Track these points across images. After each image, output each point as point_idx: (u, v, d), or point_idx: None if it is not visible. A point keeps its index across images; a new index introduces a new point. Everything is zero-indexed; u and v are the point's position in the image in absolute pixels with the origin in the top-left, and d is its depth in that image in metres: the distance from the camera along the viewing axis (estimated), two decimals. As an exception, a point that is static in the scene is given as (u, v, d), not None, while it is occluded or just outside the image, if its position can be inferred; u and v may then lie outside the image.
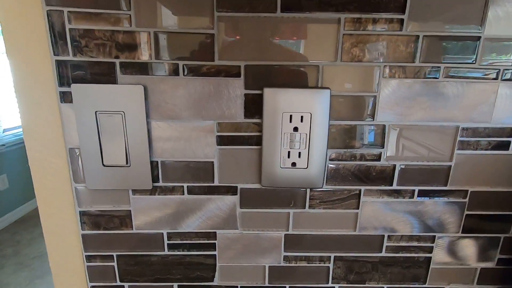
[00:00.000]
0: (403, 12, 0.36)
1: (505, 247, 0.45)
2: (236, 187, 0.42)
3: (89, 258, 0.45)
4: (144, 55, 0.37)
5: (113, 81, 0.38)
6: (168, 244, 0.45)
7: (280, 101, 0.38)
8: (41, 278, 2.08)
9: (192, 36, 0.37)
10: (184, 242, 0.45)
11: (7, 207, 2.79)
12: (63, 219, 0.43)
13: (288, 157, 0.40)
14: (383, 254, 0.46)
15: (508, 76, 0.38)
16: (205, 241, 0.45)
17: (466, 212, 0.44)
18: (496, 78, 0.38)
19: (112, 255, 0.45)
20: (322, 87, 0.38)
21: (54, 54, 0.37)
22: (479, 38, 0.37)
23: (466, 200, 0.43)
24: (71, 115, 0.38)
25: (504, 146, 0.41)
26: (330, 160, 0.41)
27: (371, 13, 0.36)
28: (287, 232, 0.44)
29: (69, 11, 0.35)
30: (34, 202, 3.13)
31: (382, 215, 0.44)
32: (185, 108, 0.39)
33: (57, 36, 0.36)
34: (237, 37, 0.37)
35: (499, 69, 0.38)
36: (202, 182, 0.42)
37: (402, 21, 0.36)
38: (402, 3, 0.36)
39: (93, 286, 0.46)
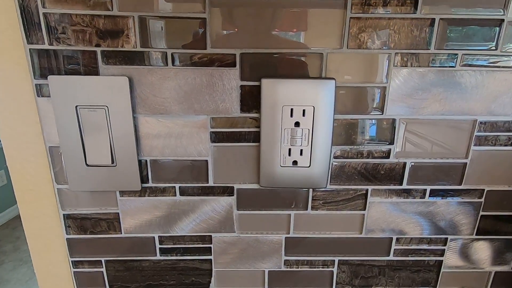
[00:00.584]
0: (417, -8, 0.32)
1: (522, 249, 0.42)
2: (233, 187, 0.39)
3: (75, 264, 0.42)
4: (129, 43, 0.33)
5: (95, 72, 0.34)
6: (160, 248, 0.42)
7: (280, 93, 0.34)
8: (40, 274, 2.07)
9: (182, 21, 0.33)
10: (178, 246, 0.41)
11: (6, 203, 2.78)
12: (46, 222, 0.40)
13: (289, 155, 0.36)
14: (391, 257, 0.43)
15: (532, 64, 0.35)
16: (200, 245, 0.42)
17: (482, 213, 0.41)
18: (519, 67, 0.35)
19: (100, 261, 0.42)
20: (326, 78, 0.35)
21: (28, 43, 0.33)
22: (501, 21, 0.33)
23: (482, 200, 0.40)
24: (49, 110, 0.35)
25: (525, 141, 0.37)
26: (335, 157, 0.38)
27: (381, -7, 0.32)
28: (287, 235, 0.41)
29: (42, -7, 0.31)
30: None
31: (390, 216, 0.41)
32: (175, 101, 0.35)
33: (30, 22, 0.32)
34: (232, 22, 0.33)
35: (523, 56, 0.34)
36: (195, 182, 0.39)
37: (416, 2, 0.32)
38: (416, -18, 0.32)
39: (81, 293, 0.43)
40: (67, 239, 0.41)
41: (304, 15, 0.33)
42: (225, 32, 0.33)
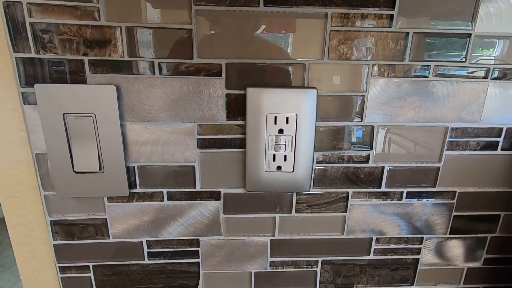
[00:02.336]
0: (393, 7, 0.34)
1: (491, 247, 0.45)
2: (219, 192, 0.40)
3: (63, 270, 0.42)
4: (116, 52, 0.34)
5: (82, 80, 0.35)
6: (148, 252, 0.42)
7: (264, 101, 0.36)
8: (24, 280, 2.01)
9: (169, 31, 0.34)
10: (166, 250, 0.42)
11: (-13, 207, 2.68)
12: (32, 229, 0.40)
13: (273, 160, 0.38)
14: (371, 257, 0.45)
15: (497, 75, 0.37)
16: (187, 248, 0.42)
17: (454, 213, 0.43)
18: (485, 77, 0.37)
19: (88, 266, 0.42)
20: (308, 87, 0.36)
21: (14, 51, 0.33)
22: (469, 35, 0.36)
23: (454, 201, 0.43)
24: (35, 118, 0.35)
25: (492, 146, 0.40)
26: (317, 162, 0.40)
27: (360, 8, 0.34)
28: (273, 237, 0.43)
29: (28, 3, 0.32)
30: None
31: (370, 217, 0.43)
32: (162, 109, 0.36)
33: (16, 31, 0.32)
34: (217, 33, 0.34)
35: (489, 68, 0.37)
36: (182, 188, 0.40)
37: (391, 17, 0.35)
38: (391, -2, 0.34)
39: (68, 298, 0.43)
40: (54, 245, 0.41)
41: (289, 23, 0.34)
42: (211, 42, 0.34)
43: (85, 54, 0.34)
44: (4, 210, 0.40)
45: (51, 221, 0.40)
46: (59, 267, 0.42)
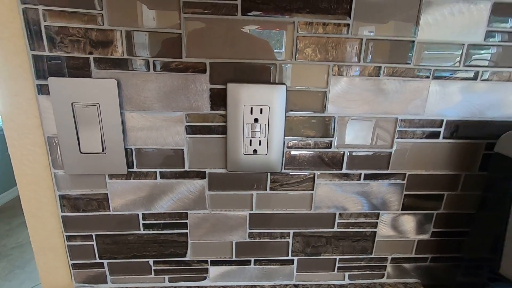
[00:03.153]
0: (349, 17, 0.41)
1: (437, 222, 0.53)
2: (205, 172, 0.47)
3: (69, 238, 0.49)
4: (117, 51, 0.40)
5: (88, 75, 0.41)
6: (143, 224, 0.49)
7: (242, 95, 0.43)
8: (21, 268, 2.07)
9: (162, 35, 0.40)
10: (158, 222, 0.49)
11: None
12: (43, 202, 0.47)
13: (250, 145, 0.45)
14: (336, 229, 0.52)
15: (437, 75, 0.45)
16: (177, 220, 0.49)
17: (405, 192, 0.51)
18: (428, 77, 0.45)
19: (91, 235, 0.49)
20: (279, 83, 0.43)
21: (31, 49, 0.39)
22: (413, 42, 0.43)
23: (405, 182, 0.50)
24: (48, 106, 0.41)
25: (435, 135, 0.48)
26: (288, 147, 0.47)
27: (321, 18, 0.41)
28: (251, 212, 0.50)
29: (44, 9, 0.38)
30: (10, 193, 3.05)
31: (334, 195, 0.50)
32: (156, 100, 0.43)
33: (33, 32, 0.39)
34: (203, 36, 0.41)
35: (430, 69, 0.44)
36: (173, 168, 0.46)
37: (348, 25, 0.42)
38: (347, 9, 0.41)
39: (74, 263, 0.50)
40: (62, 217, 0.47)
41: (262, 28, 0.41)
42: (197, 44, 0.41)
43: (90, 53, 0.40)
44: (18, 186, 0.46)
45: (59, 195, 0.46)
46: (66, 236, 0.49)
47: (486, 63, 0.45)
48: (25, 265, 2.09)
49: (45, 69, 0.40)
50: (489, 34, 0.43)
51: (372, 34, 0.42)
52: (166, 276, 0.53)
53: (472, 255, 0.47)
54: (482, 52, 0.44)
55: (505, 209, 0.40)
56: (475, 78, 0.45)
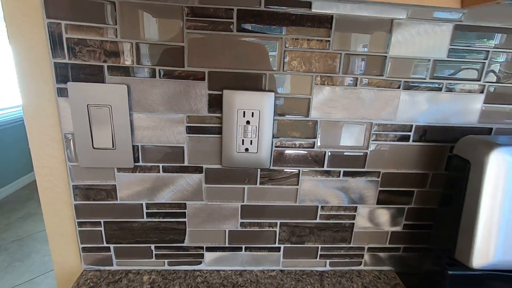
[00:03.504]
0: (330, 35, 0.48)
1: (408, 215, 0.60)
2: (202, 167, 0.53)
3: (80, 224, 0.55)
4: (128, 60, 0.47)
5: (102, 80, 0.47)
6: (146, 212, 0.55)
7: (236, 100, 0.49)
8: (20, 261, 2.12)
9: (167, 47, 0.46)
10: (160, 211, 0.55)
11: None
12: (58, 192, 0.53)
13: (242, 144, 0.51)
14: (318, 221, 0.59)
15: (407, 86, 0.51)
16: (177, 210, 0.56)
17: (380, 188, 0.57)
18: (399, 87, 0.51)
19: (100, 222, 0.55)
20: (268, 90, 0.49)
21: (53, 57, 0.45)
22: (385, 57, 0.49)
23: (379, 179, 0.57)
24: (66, 107, 0.47)
25: (405, 138, 0.54)
26: (276, 147, 0.53)
27: (306, 35, 0.47)
28: (243, 203, 0.56)
29: (66, 23, 0.44)
30: (10, 188, 3.09)
31: (317, 190, 0.56)
32: (160, 103, 0.49)
33: (55, 43, 0.45)
34: (202, 49, 0.47)
35: (401, 81, 0.51)
36: (174, 163, 0.53)
37: (329, 41, 0.48)
38: (329, 28, 0.47)
39: (83, 247, 0.56)
40: (74, 205, 0.53)
41: (255, 44, 0.47)
42: (197, 56, 0.47)
43: (104, 61, 0.46)
44: (37, 177, 0.52)
45: (72, 185, 0.52)
46: (77, 222, 0.55)
47: (449, 76, 0.51)
48: (25, 258, 2.14)
49: (64, 75, 0.46)
50: (451, 51, 0.50)
51: (350, 49, 0.48)
52: (166, 260, 0.59)
53: (435, 245, 0.53)
54: (446, 66, 0.51)
55: (460, 204, 0.46)
56: (440, 89, 0.52)
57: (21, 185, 3.26)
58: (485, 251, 0.44)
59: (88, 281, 0.55)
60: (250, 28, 0.46)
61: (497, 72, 0.52)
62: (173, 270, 0.59)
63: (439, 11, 0.48)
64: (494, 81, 0.52)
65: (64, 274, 0.58)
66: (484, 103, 0.53)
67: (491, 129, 0.55)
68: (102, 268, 0.58)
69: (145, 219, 0.56)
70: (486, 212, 0.43)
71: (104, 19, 0.44)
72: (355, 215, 0.59)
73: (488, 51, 0.50)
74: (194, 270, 0.59)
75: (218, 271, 0.60)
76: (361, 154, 0.55)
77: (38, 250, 2.24)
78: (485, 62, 0.51)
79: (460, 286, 0.50)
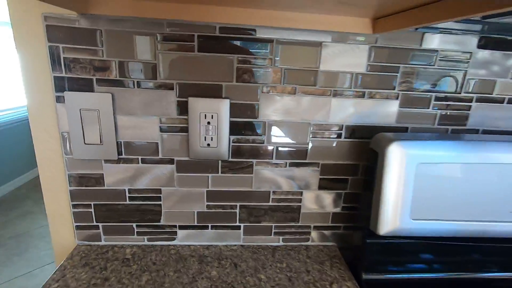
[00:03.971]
0: (272, 55, 0.61)
1: (346, 199, 0.73)
2: (173, 159, 0.66)
3: (74, 206, 0.67)
4: (112, 74, 0.59)
5: (92, 90, 0.60)
6: (128, 196, 0.68)
7: (199, 105, 0.62)
8: (18, 255, 2.22)
9: (143, 63, 0.59)
10: (140, 195, 0.68)
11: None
12: (56, 179, 0.65)
13: (205, 140, 0.64)
14: (271, 203, 0.72)
15: (336, 93, 0.64)
16: (153, 194, 0.68)
17: (320, 176, 0.70)
18: (330, 95, 0.64)
19: (91, 204, 0.67)
20: (224, 97, 0.62)
21: (52, 71, 0.58)
22: (317, 71, 0.63)
23: (319, 169, 0.70)
24: (63, 111, 0.60)
25: (338, 135, 0.67)
26: (233, 142, 0.66)
27: (253, 55, 0.60)
28: (208, 189, 0.69)
29: (63, 46, 0.57)
30: (7, 186, 3.19)
31: (268, 178, 0.69)
32: (139, 108, 0.62)
33: (55, 61, 0.57)
34: (171, 65, 0.60)
35: (331, 90, 0.64)
36: (151, 156, 0.65)
37: (272, 60, 0.61)
38: (270, 50, 0.60)
39: (77, 225, 0.69)
40: (70, 190, 0.66)
41: (214, 62, 0.60)
42: (168, 70, 0.60)
43: (93, 75, 0.59)
44: (39, 168, 0.65)
45: (68, 174, 0.65)
46: (72, 204, 0.67)
47: (369, 86, 0.64)
48: (22, 253, 2.24)
49: (62, 85, 0.59)
50: (370, 66, 0.63)
51: (288, 65, 0.62)
52: (146, 237, 0.71)
53: (360, 222, 0.66)
54: (367, 78, 0.64)
55: (372, 187, 0.60)
56: (363, 96, 0.65)
57: (18, 184, 3.36)
58: (388, 221, 0.58)
59: (81, 253, 0.67)
60: (208, 49, 0.59)
61: (408, 82, 0.65)
62: (151, 244, 0.72)
63: (356, 36, 0.61)
64: (406, 89, 0.65)
65: (61, 248, 0.70)
66: (400, 107, 0.67)
67: (407, 128, 0.68)
68: (92, 243, 0.70)
69: (127, 202, 0.68)
70: (388, 191, 0.57)
71: (93, 42, 0.57)
72: (301, 198, 0.72)
73: (399, 66, 0.64)
74: (169, 244, 0.72)
75: (188, 245, 0.72)
76: (303, 148, 0.68)
77: (35, 245, 2.35)
78: (397, 75, 0.64)
79: (377, 252, 0.63)
